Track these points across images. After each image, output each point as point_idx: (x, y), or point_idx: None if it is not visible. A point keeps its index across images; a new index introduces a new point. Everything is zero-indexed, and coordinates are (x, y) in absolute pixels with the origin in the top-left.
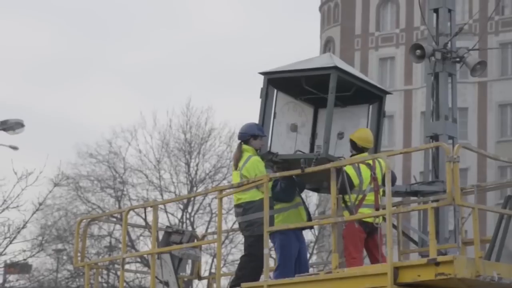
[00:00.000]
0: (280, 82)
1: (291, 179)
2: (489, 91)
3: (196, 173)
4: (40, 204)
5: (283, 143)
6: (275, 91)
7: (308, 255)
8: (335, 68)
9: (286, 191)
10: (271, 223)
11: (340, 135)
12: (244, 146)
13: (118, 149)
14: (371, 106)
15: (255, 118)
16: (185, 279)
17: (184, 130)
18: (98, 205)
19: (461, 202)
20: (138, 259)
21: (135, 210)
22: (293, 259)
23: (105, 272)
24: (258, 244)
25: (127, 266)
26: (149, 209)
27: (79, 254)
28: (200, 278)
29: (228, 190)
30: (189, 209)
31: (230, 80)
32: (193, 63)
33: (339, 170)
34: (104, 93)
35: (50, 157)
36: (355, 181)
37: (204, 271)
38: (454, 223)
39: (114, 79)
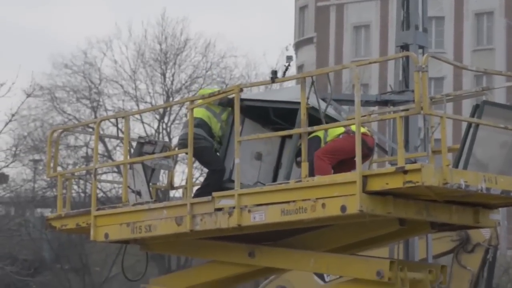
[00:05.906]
0: (248, 109)
1: None
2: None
3: (172, 84)
4: (13, 115)
5: (245, 171)
6: (243, 117)
7: None
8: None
9: None
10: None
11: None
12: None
13: (94, 59)
14: None
15: (231, 31)
16: (162, 189)
17: (159, 40)
18: (74, 116)
19: (429, 111)
20: (115, 169)
21: (111, 120)
22: None
23: (82, 182)
24: (211, 158)
25: (104, 176)
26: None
27: (51, 165)
28: (172, 187)
29: (199, 101)
30: (166, 120)
31: None
32: None
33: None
34: (79, 4)
35: (23, 69)
36: None
37: (181, 180)
38: (423, 132)
39: None
